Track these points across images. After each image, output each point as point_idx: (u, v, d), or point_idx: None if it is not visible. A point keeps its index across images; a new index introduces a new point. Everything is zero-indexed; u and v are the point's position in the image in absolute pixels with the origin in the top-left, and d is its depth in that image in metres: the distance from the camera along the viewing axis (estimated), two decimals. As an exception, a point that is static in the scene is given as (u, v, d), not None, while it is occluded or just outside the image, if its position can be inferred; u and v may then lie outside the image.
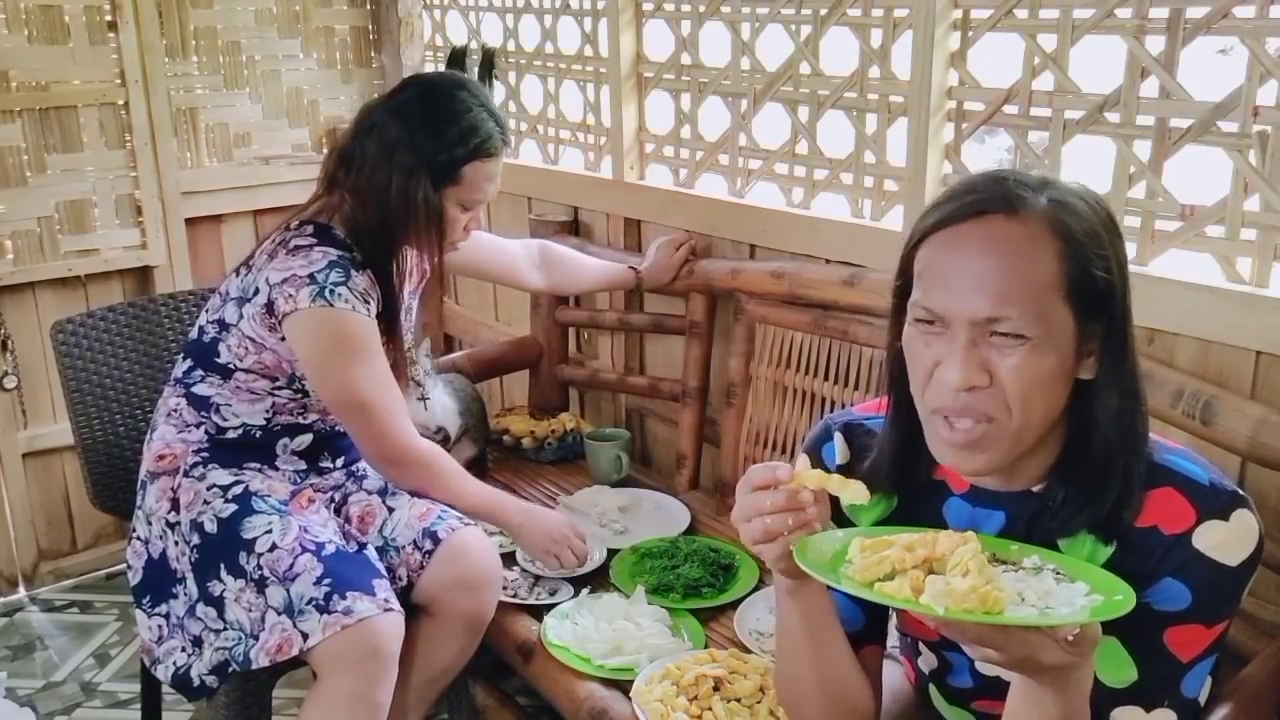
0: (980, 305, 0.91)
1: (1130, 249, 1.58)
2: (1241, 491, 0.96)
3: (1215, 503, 0.95)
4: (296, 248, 1.68)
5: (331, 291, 1.64)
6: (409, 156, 1.69)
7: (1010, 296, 0.91)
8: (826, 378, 1.95)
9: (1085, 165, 1.70)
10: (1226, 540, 0.94)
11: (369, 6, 3.08)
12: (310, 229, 1.72)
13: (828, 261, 1.99)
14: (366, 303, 1.68)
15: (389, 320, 1.73)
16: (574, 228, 2.58)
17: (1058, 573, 0.89)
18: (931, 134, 1.79)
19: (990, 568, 0.88)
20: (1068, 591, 0.86)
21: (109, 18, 2.65)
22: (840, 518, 1.16)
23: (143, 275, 2.83)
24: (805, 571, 0.93)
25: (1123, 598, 0.84)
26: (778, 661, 1.16)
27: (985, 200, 0.94)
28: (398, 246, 1.74)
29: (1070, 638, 0.81)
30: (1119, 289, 0.95)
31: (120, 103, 2.71)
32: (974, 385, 0.93)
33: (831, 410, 1.92)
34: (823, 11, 1.96)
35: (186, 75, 2.83)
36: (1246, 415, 1.38)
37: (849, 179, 1.99)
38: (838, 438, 1.16)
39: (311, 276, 1.64)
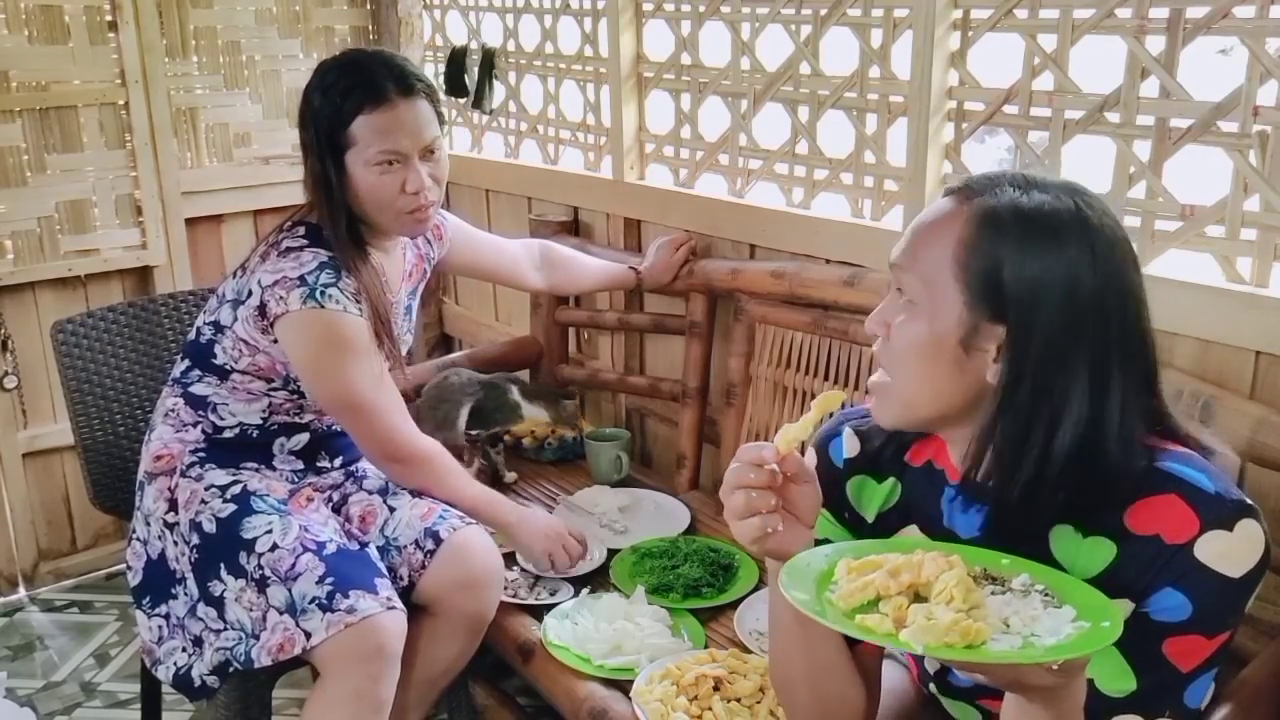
0: (895, 255, 1.02)
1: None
2: (1250, 501, 0.95)
3: (1220, 512, 0.93)
4: (288, 249, 1.68)
5: (322, 293, 1.63)
6: (308, 133, 1.69)
7: (911, 257, 1.00)
8: (826, 378, 1.95)
9: (1085, 165, 1.70)
10: (1229, 551, 0.92)
11: (369, 6, 3.08)
12: (302, 230, 1.71)
13: (828, 261, 1.99)
14: (358, 303, 1.67)
15: (379, 320, 1.70)
16: (574, 228, 2.58)
17: (1046, 594, 0.88)
18: (931, 134, 1.79)
19: (977, 592, 0.87)
20: (1054, 618, 0.85)
21: (109, 18, 2.65)
22: (847, 508, 1.18)
23: (143, 275, 2.83)
24: (790, 560, 0.95)
25: (1109, 625, 0.82)
26: (770, 646, 1.17)
27: (956, 187, 1.02)
28: (344, 234, 1.69)
29: (1054, 667, 0.80)
30: (1026, 301, 0.94)
31: (120, 103, 2.71)
32: (874, 333, 1.04)
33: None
34: (823, 11, 1.96)
35: (186, 75, 2.83)
36: (1246, 415, 1.38)
37: (849, 179, 2.00)
38: (846, 432, 1.18)
39: (302, 278, 1.63)
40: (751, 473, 0.99)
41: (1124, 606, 0.95)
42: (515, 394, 2.19)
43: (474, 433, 2.20)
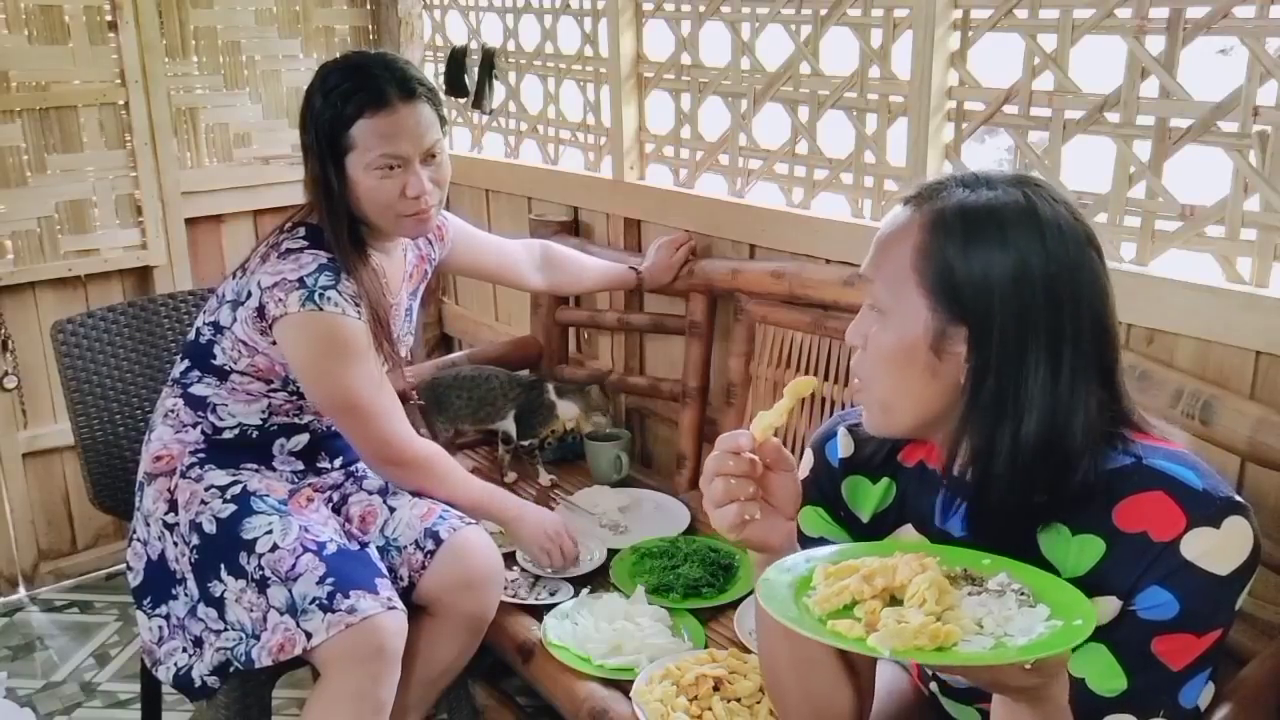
0: (863, 268, 1.05)
1: (1130, 249, 1.59)
2: (1238, 498, 0.95)
3: (1207, 509, 0.93)
4: (288, 251, 1.68)
5: (321, 295, 1.63)
6: (309, 136, 1.69)
7: (876, 268, 1.03)
8: (826, 378, 1.95)
9: (1085, 165, 1.70)
10: (1216, 548, 0.92)
11: (369, 6, 3.08)
12: (302, 231, 1.71)
13: (828, 261, 2.00)
14: (357, 305, 1.67)
15: (378, 324, 1.70)
16: (574, 228, 2.58)
17: (1022, 593, 0.88)
18: (931, 134, 1.79)
19: (951, 594, 0.87)
20: (1027, 617, 0.85)
21: (109, 18, 2.65)
22: (843, 507, 1.18)
23: (143, 275, 2.83)
24: (770, 568, 0.96)
25: (1081, 623, 0.82)
26: (758, 640, 1.17)
27: (910, 195, 1.04)
28: (345, 236, 1.69)
29: (1028, 666, 0.80)
30: (980, 297, 0.95)
31: (120, 103, 2.71)
32: (855, 345, 1.06)
33: (831, 411, 1.92)
34: (823, 11, 1.96)
35: (186, 75, 2.83)
36: (1246, 415, 1.38)
37: (849, 179, 2.00)
38: (841, 432, 1.18)
39: (301, 280, 1.63)
40: (730, 460, 1.00)
41: (1113, 605, 0.95)
42: (551, 393, 2.21)
43: (526, 443, 2.24)
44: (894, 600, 0.88)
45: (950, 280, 0.96)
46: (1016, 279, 0.95)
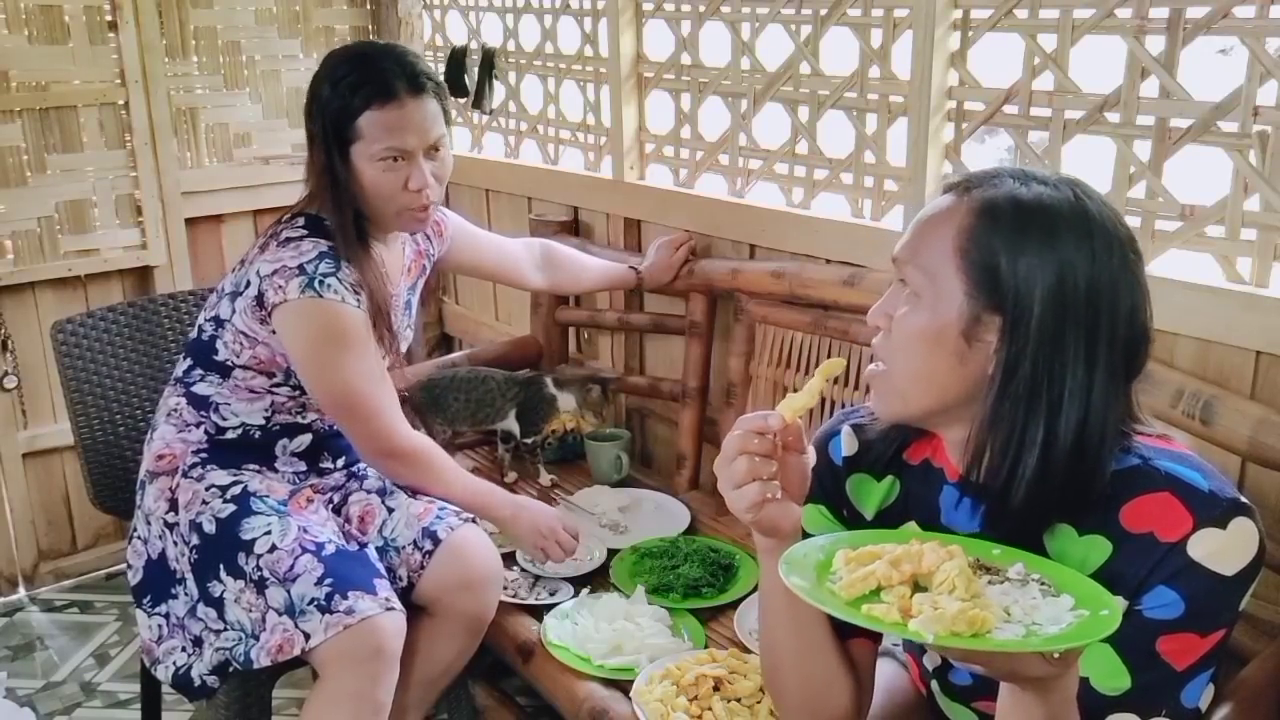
0: (899, 249, 1.03)
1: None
2: (1244, 499, 0.95)
3: (1213, 510, 0.94)
4: (287, 239, 1.68)
5: (321, 282, 1.63)
6: (315, 125, 1.69)
7: (914, 249, 1.01)
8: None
9: (1085, 165, 1.70)
10: (1222, 549, 0.93)
11: (369, 6, 3.08)
12: (302, 220, 1.71)
13: (828, 261, 2.00)
14: (357, 294, 1.66)
15: (378, 312, 1.70)
16: (574, 228, 2.58)
17: (1043, 583, 0.88)
18: (931, 134, 1.79)
19: (976, 582, 0.87)
20: (1053, 607, 0.85)
21: (109, 18, 2.66)
22: (847, 505, 1.18)
23: (143, 275, 2.83)
24: (788, 551, 0.95)
25: (1109, 614, 0.82)
26: (760, 630, 1.17)
27: (956, 182, 1.03)
28: (349, 224, 1.69)
29: (1056, 655, 0.81)
30: (1021, 290, 0.95)
31: (120, 103, 2.71)
32: (876, 325, 1.05)
33: (832, 410, 1.92)
34: (823, 11, 1.96)
35: (186, 75, 2.83)
36: (1246, 415, 1.38)
37: (849, 179, 2.00)
38: (845, 430, 1.19)
39: (301, 267, 1.63)
40: (754, 439, 1.00)
41: (1119, 605, 0.95)
42: (550, 386, 2.21)
43: (529, 440, 2.23)
44: (917, 587, 0.88)
45: (993, 268, 0.96)
46: (1060, 276, 0.95)
